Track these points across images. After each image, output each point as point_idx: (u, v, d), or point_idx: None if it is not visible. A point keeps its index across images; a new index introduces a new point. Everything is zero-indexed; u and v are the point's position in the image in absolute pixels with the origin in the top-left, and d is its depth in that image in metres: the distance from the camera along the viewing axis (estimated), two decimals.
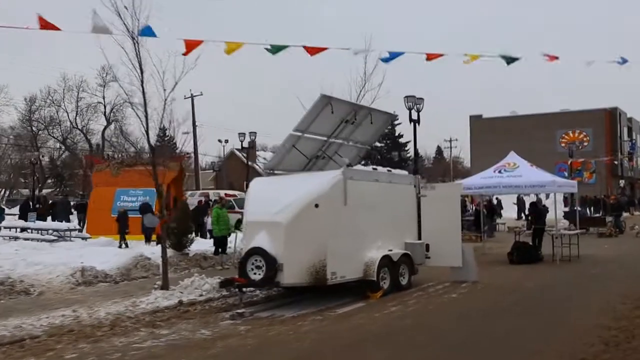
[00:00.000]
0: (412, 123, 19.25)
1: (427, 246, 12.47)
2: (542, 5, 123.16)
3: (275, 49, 8.23)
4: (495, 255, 17.50)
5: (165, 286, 10.98)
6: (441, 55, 9.00)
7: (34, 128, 56.05)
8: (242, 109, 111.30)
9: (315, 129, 11.40)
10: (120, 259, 13.37)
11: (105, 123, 56.11)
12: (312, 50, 8.31)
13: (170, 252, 14.93)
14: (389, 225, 11.59)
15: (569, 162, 38.50)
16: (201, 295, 10.75)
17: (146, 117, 10.93)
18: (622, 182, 56.28)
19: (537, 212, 17.42)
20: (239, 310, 9.47)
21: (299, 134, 11.19)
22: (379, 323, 8.81)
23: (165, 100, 10.90)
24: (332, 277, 10.02)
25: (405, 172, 12.88)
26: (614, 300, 10.09)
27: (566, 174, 61.12)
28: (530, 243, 16.70)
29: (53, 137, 58.14)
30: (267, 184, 11.02)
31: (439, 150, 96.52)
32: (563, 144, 60.55)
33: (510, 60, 9.00)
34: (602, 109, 59.89)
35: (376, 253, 10.98)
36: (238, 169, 67.12)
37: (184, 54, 9.37)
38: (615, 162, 51.02)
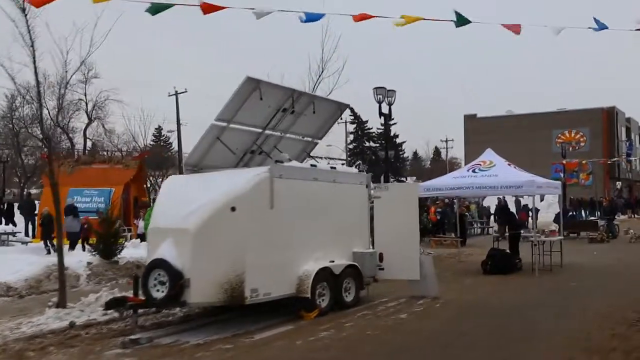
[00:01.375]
0: (381, 117, 17.66)
1: (381, 256, 10.81)
2: None
3: (154, 10, 6.58)
4: (471, 263, 15.87)
5: (61, 303, 9.32)
6: (371, 17, 7.33)
7: (15, 127, 54.41)
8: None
9: (245, 118, 9.73)
10: (32, 269, 11.72)
11: (87, 121, 54.54)
12: (207, 9, 6.65)
13: (97, 260, 13.31)
14: (332, 232, 9.93)
15: (563, 162, 36.72)
16: (105, 314, 9.09)
17: (39, 100, 9.32)
18: (618, 184, 54.54)
19: (507, 217, 15.76)
20: (133, 337, 7.79)
21: (223, 124, 9.52)
22: (296, 355, 7.15)
23: (64, 82, 9.31)
24: (252, 295, 8.35)
25: (354, 170, 11.23)
26: (589, 323, 8.42)
27: (561, 175, 59.92)
28: (508, 250, 15.04)
29: (34, 135, 56.43)
30: (182, 183, 9.35)
31: (437, 151, 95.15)
32: (559, 145, 58.93)
33: (460, 20, 7.31)
34: (599, 108, 58.18)
35: (313, 265, 9.31)
36: None
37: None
38: (609, 162, 49.20)
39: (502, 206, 18.71)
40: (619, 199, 50.66)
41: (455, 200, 35.58)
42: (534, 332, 8.03)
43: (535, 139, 57.36)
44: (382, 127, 79.40)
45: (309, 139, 11.44)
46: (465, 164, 68.94)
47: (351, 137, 76.51)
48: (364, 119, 76.42)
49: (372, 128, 77.59)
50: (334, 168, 10.49)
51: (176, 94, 48.91)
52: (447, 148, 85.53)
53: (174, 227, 8.29)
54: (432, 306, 10.01)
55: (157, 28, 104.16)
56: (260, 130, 10.27)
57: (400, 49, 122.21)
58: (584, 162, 48.56)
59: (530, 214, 32.55)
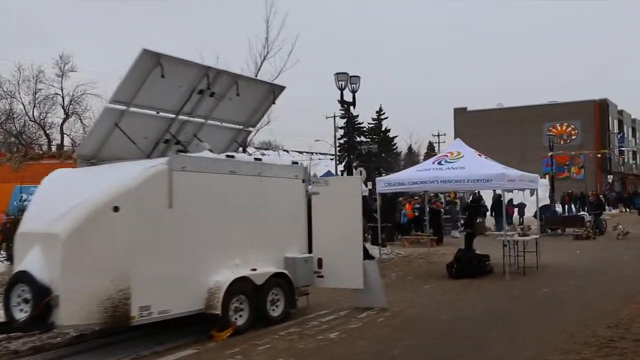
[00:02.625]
0: (344, 106, 16.13)
1: (320, 261, 9.34)
2: None
3: None
4: (441, 264, 14.31)
5: None
6: None
7: None
8: None
9: (150, 101, 8.22)
10: None
11: (64, 116, 52.85)
12: None
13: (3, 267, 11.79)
14: (256, 235, 8.44)
15: (550, 155, 35.25)
16: None
17: None
18: (610, 178, 53.17)
19: (471, 213, 14.38)
20: None
21: (121, 107, 8.00)
22: None
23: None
24: (142, 314, 6.85)
25: (288, 161, 9.74)
26: (550, 344, 6.96)
27: (551, 169, 58.53)
28: (478, 251, 13.59)
29: (7, 130, 54.76)
30: (65, 178, 7.81)
31: (431, 146, 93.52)
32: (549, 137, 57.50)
33: None
34: (591, 101, 56.79)
35: (228, 275, 7.82)
36: None
37: None
38: (599, 155, 47.81)
39: (471, 200, 17.15)
40: (611, 193, 49.36)
41: (441, 196, 34.59)
42: (485, 350, 6.58)
43: (526, 133, 55.97)
44: (374, 122, 78.62)
45: (239, 127, 9.93)
46: None
47: (341, 131, 75.32)
48: (354, 114, 75.28)
49: (362, 123, 76.29)
50: (259, 159, 8.96)
51: None
52: (439, 143, 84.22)
53: (42, 232, 6.78)
54: (374, 321, 8.54)
55: (134, 16, 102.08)
56: (172, 116, 8.76)
57: (394, 45, 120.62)
58: (573, 153, 47.13)
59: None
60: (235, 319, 7.85)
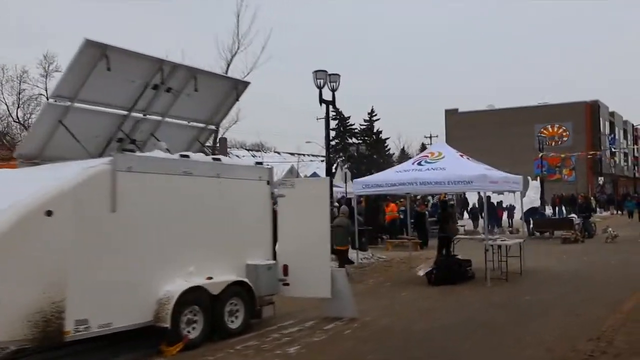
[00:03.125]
0: (322, 105, 15.54)
1: (285, 268, 8.76)
2: None
3: None
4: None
5: None
6: None
7: None
8: None
9: (97, 96, 7.61)
10: None
11: None
12: None
13: None
14: (213, 241, 7.85)
15: (540, 157, 34.82)
16: None
17: None
18: (601, 179, 52.79)
19: (443, 215, 13.85)
20: None
21: (65, 102, 7.40)
22: None
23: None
24: (77, 329, 6.24)
25: (251, 162, 9.17)
26: None
27: (541, 170, 58.12)
28: (459, 256, 13.05)
29: None
30: (0, 180, 7.19)
31: (423, 147, 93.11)
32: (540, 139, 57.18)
33: None
34: (582, 102, 56.47)
35: (180, 284, 7.23)
36: None
37: None
38: (589, 156, 47.43)
39: (444, 201, 16.55)
40: (602, 195, 48.99)
41: (430, 198, 34.06)
42: None
43: (518, 134, 55.52)
44: (366, 124, 78.14)
45: (201, 125, 9.34)
46: None
47: (333, 133, 74.67)
48: (346, 115, 74.75)
49: (354, 124, 75.81)
50: (218, 159, 8.35)
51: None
52: (431, 144, 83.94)
53: None
54: (340, 333, 7.96)
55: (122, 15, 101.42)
56: (125, 113, 8.16)
57: (387, 44, 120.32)
58: (562, 155, 46.79)
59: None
60: (188, 331, 7.25)
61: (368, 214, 20.51)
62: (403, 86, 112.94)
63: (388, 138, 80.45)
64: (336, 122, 75.21)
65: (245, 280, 8.07)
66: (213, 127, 9.60)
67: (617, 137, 63.11)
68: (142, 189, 6.96)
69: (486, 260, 12.28)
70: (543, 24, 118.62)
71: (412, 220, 19.72)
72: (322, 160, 67.61)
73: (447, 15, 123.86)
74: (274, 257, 8.79)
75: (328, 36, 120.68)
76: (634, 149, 68.19)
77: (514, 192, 38.58)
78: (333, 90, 15.62)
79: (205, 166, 7.86)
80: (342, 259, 13.83)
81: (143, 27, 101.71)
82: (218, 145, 24.71)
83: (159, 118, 8.62)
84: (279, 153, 75.84)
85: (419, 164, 12.70)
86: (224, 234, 8.02)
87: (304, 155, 79.22)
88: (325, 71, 15.34)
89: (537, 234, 24.51)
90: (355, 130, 76.83)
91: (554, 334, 7.59)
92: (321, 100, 15.31)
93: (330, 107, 15.65)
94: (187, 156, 7.71)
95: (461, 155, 12.97)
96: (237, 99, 9.18)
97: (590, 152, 47.24)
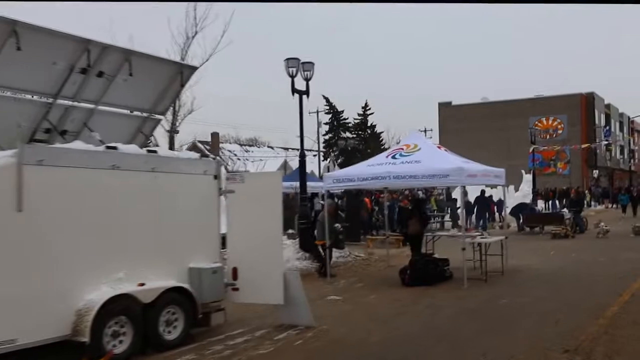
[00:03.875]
0: (294, 95, 14.68)
1: (235, 272, 7.96)
2: None
3: None
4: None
5: None
6: None
7: None
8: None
9: (12, 80, 6.79)
10: None
11: None
12: None
13: None
14: (148, 243, 7.03)
15: (532, 150, 34.04)
16: None
17: None
18: (595, 173, 52.06)
19: (415, 210, 13.13)
20: None
21: None
22: None
23: None
24: None
25: (194, 154, 8.35)
26: None
27: (533, 163, 57.27)
28: (437, 255, 12.27)
29: None
30: None
31: None
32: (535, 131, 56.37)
33: None
34: (577, 94, 55.68)
35: (103, 292, 6.42)
36: None
37: None
38: (582, 148, 46.63)
39: (416, 200, 15.69)
40: (597, 188, 48.29)
41: (419, 191, 33.20)
42: None
43: (512, 127, 54.67)
44: (360, 118, 77.31)
45: (144, 114, 8.51)
46: None
47: (326, 127, 73.80)
48: (339, 109, 73.93)
49: (348, 118, 74.91)
50: (154, 151, 7.52)
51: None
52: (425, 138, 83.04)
53: None
54: (290, 344, 7.15)
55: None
56: (49, 100, 7.33)
57: (379, 40, 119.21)
58: (556, 147, 45.99)
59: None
60: (114, 345, 6.44)
61: (349, 209, 19.74)
62: (398, 80, 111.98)
63: (382, 132, 79.71)
64: (329, 116, 74.78)
65: (185, 285, 7.26)
66: (158, 116, 8.75)
67: (613, 129, 62.35)
68: (57, 185, 6.13)
69: (464, 259, 11.50)
70: (538, 22, 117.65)
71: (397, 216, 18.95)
72: (315, 155, 66.79)
73: (441, 11, 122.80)
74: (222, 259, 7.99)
75: (324, 32, 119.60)
76: (630, 141, 67.49)
77: (496, 186, 37.50)
78: (307, 80, 14.75)
79: (137, 159, 7.02)
80: (316, 253, 13.25)
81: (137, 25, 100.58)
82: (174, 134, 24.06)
83: (92, 106, 7.79)
84: (272, 148, 75.12)
85: (393, 157, 11.87)
86: (162, 235, 7.21)
87: (297, 150, 78.53)
88: (297, 59, 14.48)
89: (527, 229, 23.76)
90: (349, 125, 76.08)
91: (525, 345, 6.81)
92: (293, 90, 14.45)
93: (305, 97, 14.77)
94: (114, 148, 6.87)
95: (439, 147, 12.15)
96: (182, 85, 8.34)
97: (583, 145, 46.43)
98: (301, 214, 14.81)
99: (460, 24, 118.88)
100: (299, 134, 14.77)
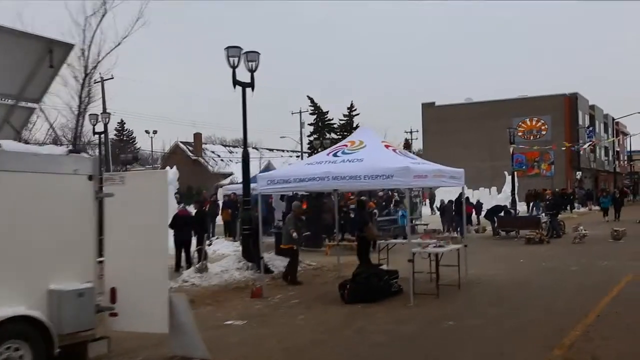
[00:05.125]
0: (235, 87, 13.23)
1: (114, 293, 6.52)
2: None
3: None
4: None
5: None
6: None
7: None
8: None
9: None
10: None
11: None
12: None
13: None
14: None
15: (511, 150, 32.79)
16: None
17: None
18: (579, 174, 50.98)
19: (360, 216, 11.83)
20: None
21: None
22: None
23: None
24: None
25: (60, 149, 6.93)
26: None
27: (522, 165, 56.17)
28: (385, 267, 10.89)
29: None
30: None
31: (407, 143, 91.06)
32: (520, 133, 55.25)
33: None
34: (561, 95, 54.67)
35: None
36: (183, 165, 61.03)
37: None
38: (563, 149, 45.51)
39: (360, 201, 14.22)
40: (580, 190, 47.22)
41: (392, 193, 31.78)
42: None
43: (496, 128, 53.45)
44: (345, 118, 75.97)
45: (11, 102, 7.04)
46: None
47: (311, 128, 72.40)
48: (324, 110, 72.64)
49: (332, 119, 73.55)
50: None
51: (102, 80, 44.23)
52: (411, 139, 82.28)
53: None
54: None
55: None
56: None
57: (369, 41, 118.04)
58: (535, 148, 44.88)
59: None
60: None
61: (310, 212, 18.30)
62: (384, 82, 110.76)
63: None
64: (314, 117, 73.36)
65: (33, 313, 5.79)
66: (31, 104, 7.29)
67: (597, 130, 61.42)
68: None
69: (413, 272, 10.13)
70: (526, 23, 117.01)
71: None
72: (298, 156, 65.10)
73: (431, 10, 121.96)
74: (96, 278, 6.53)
75: (311, 33, 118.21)
76: (613, 142, 66.66)
77: (477, 188, 35.85)
78: (251, 71, 13.30)
79: None
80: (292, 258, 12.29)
81: None
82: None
83: None
84: (257, 149, 73.62)
85: (335, 154, 10.49)
86: (9, 250, 5.75)
87: (282, 151, 76.97)
88: (239, 47, 13.04)
89: (503, 233, 22.46)
90: (334, 125, 74.70)
91: None
92: (235, 82, 13.01)
93: (250, 90, 13.31)
94: None
95: (387, 146, 10.75)
96: (52, 66, 6.88)
97: (566, 144, 45.35)
98: (244, 219, 13.36)
99: (451, 23, 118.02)
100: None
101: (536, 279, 11.96)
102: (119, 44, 22.86)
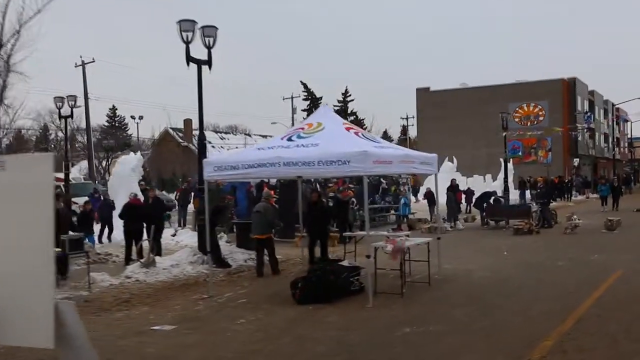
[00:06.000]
0: (189, 64, 12.07)
1: None
2: None
3: None
4: None
5: None
6: None
7: None
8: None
9: None
10: None
11: None
12: None
13: None
14: None
15: (504, 136, 31.58)
16: None
17: None
18: (576, 161, 49.69)
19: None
20: None
21: None
22: None
23: None
24: None
25: None
26: None
27: (520, 152, 54.94)
28: (347, 262, 9.82)
29: None
30: None
31: (404, 130, 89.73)
32: (517, 119, 54.00)
33: None
34: (559, 80, 53.31)
35: None
36: (173, 151, 59.89)
37: None
38: (559, 134, 44.32)
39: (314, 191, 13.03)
40: (577, 177, 46.05)
41: (382, 179, 30.59)
42: None
43: (492, 114, 52.12)
44: (339, 104, 74.71)
45: None
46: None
47: (304, 114, 71.11)
48: (318, 95, 71.49)
49: (326, 105, 72.34)
50: None
51: (83, 64, 43.02)
52: (407, 125, 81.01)
53: None
54: None
55: None
56: None
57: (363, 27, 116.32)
58: (528, 133, 43.72)
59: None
60: None
61: (282, 201, 17.23)
62: (380, 68, 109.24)
63: (364, 119, 77.21)
64: (307, 102, 72.02)
65: None
66: None
67: (597, 117, 60.12)
68: None
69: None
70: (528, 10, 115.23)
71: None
72: None
73: None
74: None
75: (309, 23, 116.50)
76: (613, 128, 65.43)
77: (472, 175, 34.21)
78: (208, 47, 12.14)
79: None
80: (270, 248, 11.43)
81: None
82: None
83: None
84: (249, 135, 72.43)
85: (289, 139, 9.35)
86: None
87: (274, 137, 75.89)
88: (193, 21, 11.86)
89: (492, 222, 21.35)
90: None
91: None
92: (189, 59, 11.86)
93: (206, 68, 12.15)
94: None
95: (348, 129, 9.61)
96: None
97: (553, 130, 44.18)
98: (200, 208, 12.28)
99: (445, 7, 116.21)
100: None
101: (517, 275, 10.88)
102: (38, 11, 20.25)
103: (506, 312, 7.87)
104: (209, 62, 12.26)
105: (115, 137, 64.21)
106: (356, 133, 9.58)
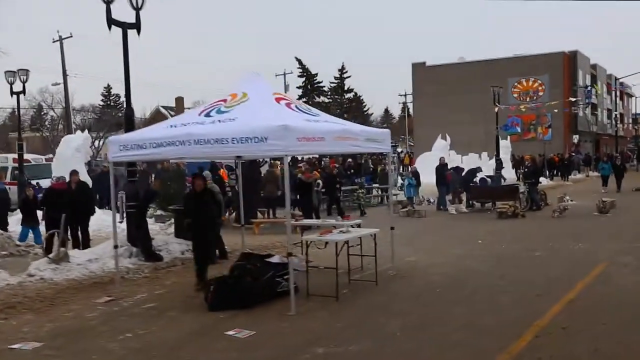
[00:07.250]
0: (111, 27, 10.43)
1: None
2: None
3: None
4: None
5: None
6: None
7: None
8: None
9: None
10: None
11: None
12: None
13: None
14: None
15: (496, 111, 29.90)
16: None
17: None
18: (575, 138, 47.86)
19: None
20: None
21: None
22: None
23: None
24: None
25: None
26: None
27: (519, 129, 53.05)
28: (276, 258, 8.37)
29: None
30: None
31: (405, 107, 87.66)
32: (515, 95, 52.10)
33: None
34: (560, 53, 51.17)
35: None
36: None
37: None
38: (555, 110, 42.48)
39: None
40: (577, 155, 44.34)
41: (370, 161, 28.96)
42: None
43: (490, 89, 50.34)
44: (336, 81, 72.53)
45: None
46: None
47: (299, 91, 69.09)
48: (313, 72, 69.44)
49: (322, 82, 70.17)
50: None
51: (60, 39, 41.28)
52: (405, 102, 78.94)
53: None
54: None
55: None
56: None
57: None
58: (523, 109, 41.91)
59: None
60: None
61: (244, 184, 15.73)
62: (377, 44, 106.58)
63: (361, 96, 75.16)
64: (303, 79, 69.92)
65: None
66: None
67: (600, 91, 58.05)
68: None
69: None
70: None
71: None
72: None
73: None
74: None
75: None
76: (616, 103, 63.35)
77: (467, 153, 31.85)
78: (136, 9, 10.57)
79: None
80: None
81: None
82: None
83: None
84: None
85: (207, 114, 7.84)
86: None
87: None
88: None
89: (478, 204, 19.85)
90: (324, 88, 71.34)
91: None
92: (110, 21, 10.30)
93: (136, 32, 10.60)
94: None
95: (278, 99, 8.06)
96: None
97: (551, 103, 42.36)
98: (128, 193, 10.82)
99: None
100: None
101: (485, 269, 9.41)
102: None
103: (453, 323, 6.42)
104: (137, 26, 10.70)
105: (110, 116, 62.42)
106: (288, 105, 8.04)
